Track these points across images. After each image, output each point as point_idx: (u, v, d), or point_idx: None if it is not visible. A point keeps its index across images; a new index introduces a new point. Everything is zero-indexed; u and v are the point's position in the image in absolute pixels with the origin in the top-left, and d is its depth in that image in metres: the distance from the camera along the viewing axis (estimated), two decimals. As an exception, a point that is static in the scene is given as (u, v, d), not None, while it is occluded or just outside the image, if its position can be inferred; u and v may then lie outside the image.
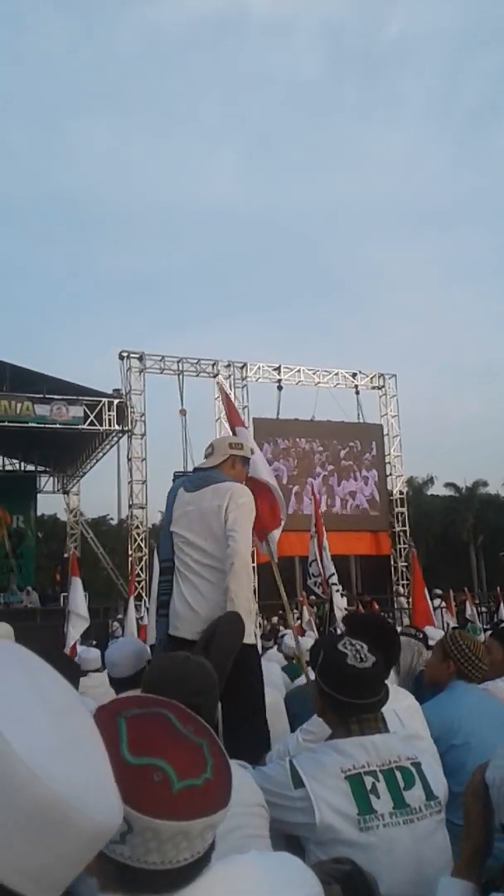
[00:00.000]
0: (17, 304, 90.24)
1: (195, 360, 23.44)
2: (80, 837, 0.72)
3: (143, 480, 22.21)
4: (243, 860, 1.08)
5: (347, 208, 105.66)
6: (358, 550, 24.52)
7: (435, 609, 11.44)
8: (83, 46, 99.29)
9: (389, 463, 25.17)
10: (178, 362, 23.05)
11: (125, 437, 22.38)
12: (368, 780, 1.96)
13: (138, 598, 16.80)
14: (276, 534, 4.34)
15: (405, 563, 23.50)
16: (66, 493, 28.33)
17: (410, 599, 11.74)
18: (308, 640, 5.27)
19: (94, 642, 10.46)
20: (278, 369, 24.07)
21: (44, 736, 0.72)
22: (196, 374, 23.43)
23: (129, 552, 21.83)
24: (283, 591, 4.40)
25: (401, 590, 23.19)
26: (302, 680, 4.53)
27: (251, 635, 3.29)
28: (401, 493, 25.50)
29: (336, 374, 24.94)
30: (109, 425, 21.74)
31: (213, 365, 23.60)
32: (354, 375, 25.11)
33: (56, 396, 20.97)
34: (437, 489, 45.69)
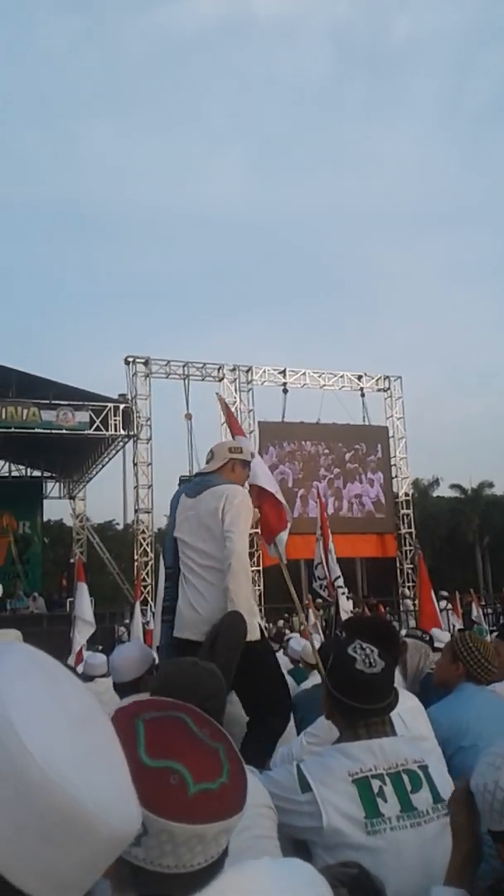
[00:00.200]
0: (21, 309, 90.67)
1: (200, 364, 23.49)
2: (97, 843, 0.72)
3: (148, 485, 22.25)
4: (255, 866, 1.08)
5: (353, 209, 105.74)
6: (364, 553, 24.49)
7: (441, 611, 11.42)
8: (87, 48, 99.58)
9: (395, 465, 25.15)
10: (183, 367, 23.09)
11: (131, 441, 22.42)
12: (375, 784, 1.96)
13: (144, 602, 16.80)
14: (284, 536, 4.36)
15: (411, 566, 23.46)
16: (72, 498, 28.39)
17: (416, 601, 11.74)
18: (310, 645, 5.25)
19: (101, 647, 10.45)
20: (283, 372, 24.08)
21: (63, 741, 0.72)
22: (201, 379, 23.47)
23: (135, 557, 21.86)
24: (294, 592, 4.39)
25: (407, 592, 23.12)
26: (308, 683, 4.53)
27: (255, 631, 3.32)
28: (406, 495, 25.48)
29: (341, 376, 24.94)
30: (115, 430, 21.79)
31: (219, 369, 23.63)
32: (360, 378, 25.11)
33: (62, 402, 21.03)
34: (443, 491, 45.64)
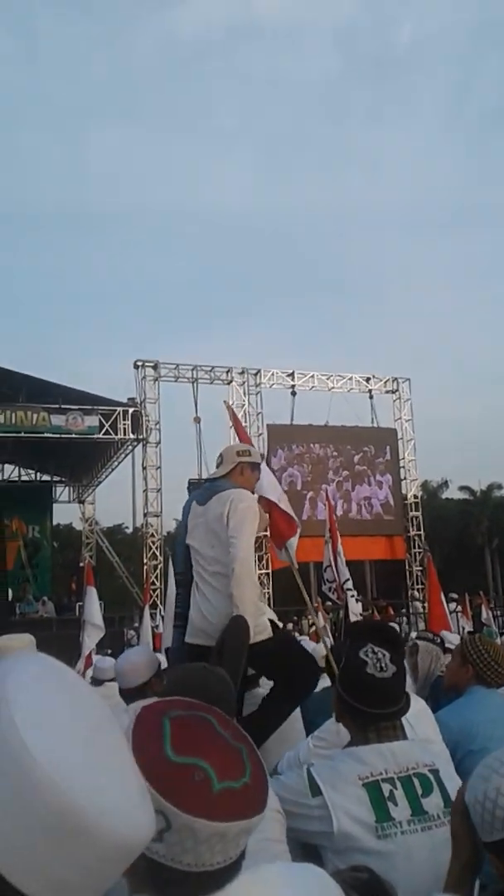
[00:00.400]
0: (30, 313, 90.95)
1: (209, 367, 23.50)
2: (102, 849, 0.72)
3: (157, 489, 22.27)
4: (269, 871, 1.09)
5: (361, 212, 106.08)
6: (373, 555, 24.45)
7: (451, 613, 11.38)
8: (96, 53, 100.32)
9: (404, 467, 25.08)
10: (192, 370, 23.12)
11: (140, 445, 22.46)
12: (386, 788, 1.95)
13: (153, 606, 16.80)
14: (294, 541, 4.41)
15: (420, 568, 23.39)
16: (81, 502, 28.44)
17: (426, 604, 11.69)
18: (321, 648, 5.24)
19: (110, 651, 10.47)
20: (292, 375, 24.08)
21: (70, 746, 0.73)
22: (210, 382, 23.49)
23: (145, 560, 21.88)
24: (307, 596, 4.40)
25: (416, 594, 23.07)
26: (318, 686, 4.51)
27: (265, 629, 3.34)
28: (415, 497, 25.42)
29: (350, 378, 24.91)
30: (124, 434, 21.82)
31: (227, 372, 23.64)
32: (368, 380, 25.08)
33: (71, 406, 21.08)
34: (452, 493, 45.56)
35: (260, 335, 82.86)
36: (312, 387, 24.42)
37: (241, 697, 3.24)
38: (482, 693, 3.04)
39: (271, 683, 3.44)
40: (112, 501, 73.24)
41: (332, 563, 6.55)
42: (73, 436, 21.12)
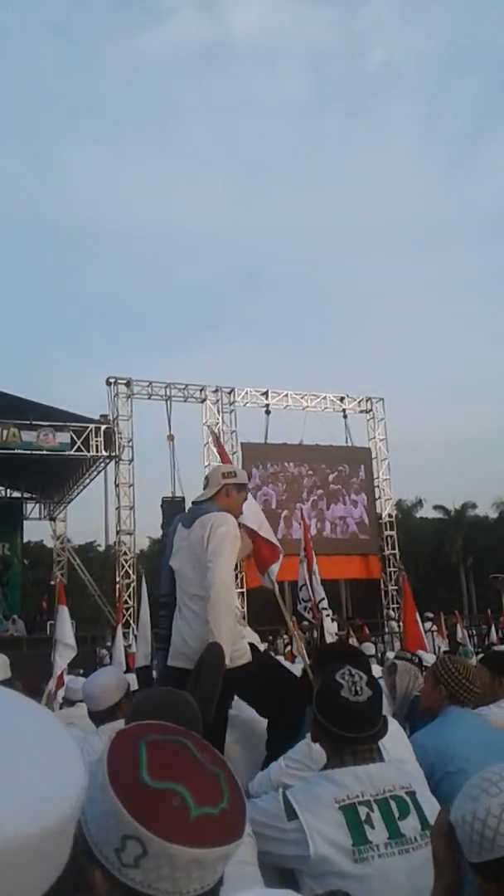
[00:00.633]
0: (1, 330, 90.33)
1: (183, 385, 23.50)
2: None
3: (130, 506, 22.14)
4: None
5: (334, 231, 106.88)
6: (348, 574, 24.46)
7: (426, 633, 11.40)
8: (70, 72, 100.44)
9: (378, 486, 25.20)
10: (165, 388, 23.09)
11: (112, 462, 22.31)
12: (363, 811, 1.93)
13: (126, 625, 16.63)
14: (276, 567, 4.47)
15: (395, 587, 23.43)
16: (52, 519, 28.13)
17: (401, 623, 11.69)
18: (297, 667, 5.21)
19: (82, 671, 10.32)
20: (266, 394, 24.14)
21: None
22: (184, 400, 23.48)
23: (117, 579, 21.67)
24: (291, 621, 4.41)
25: (391, 613, 23.10)
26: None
27: (244, 654, 3.33)
28: (390, 516, 25.50)
29: (324, 397, 25.04)
30: (96, 451, 21.66)
31: (201, 390, 23.66)
32: (342, 399, 25.22)
33: (43, 423, 20.89)
34: (426, 512, 45.80)
35: (234, 354, 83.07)
36: (287, 406, 24.49)
37: (221, 723, 3.21)
38: (457, 714, 3.03)
39: (242, 704, 3.41)
40: (84, 519, 72.72)
41: (308, 583, 6.52)
42: (45, 452, 20.92)
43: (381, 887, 1.83)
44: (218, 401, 23.73)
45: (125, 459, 22.19)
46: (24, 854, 0.65)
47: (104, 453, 21.85)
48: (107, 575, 26.54)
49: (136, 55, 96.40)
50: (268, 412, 24.03)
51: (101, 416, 22.42)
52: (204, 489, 3.77)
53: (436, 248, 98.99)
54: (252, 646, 3.43)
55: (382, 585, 24.53)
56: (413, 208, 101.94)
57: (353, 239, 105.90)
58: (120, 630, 11.19)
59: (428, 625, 14.15)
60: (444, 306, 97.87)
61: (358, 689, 2.07)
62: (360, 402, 25.62)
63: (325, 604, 6.46)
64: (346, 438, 25.24)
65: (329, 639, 6.30)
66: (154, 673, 4.50)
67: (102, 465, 22.86)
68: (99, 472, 23.46)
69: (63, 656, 7.64)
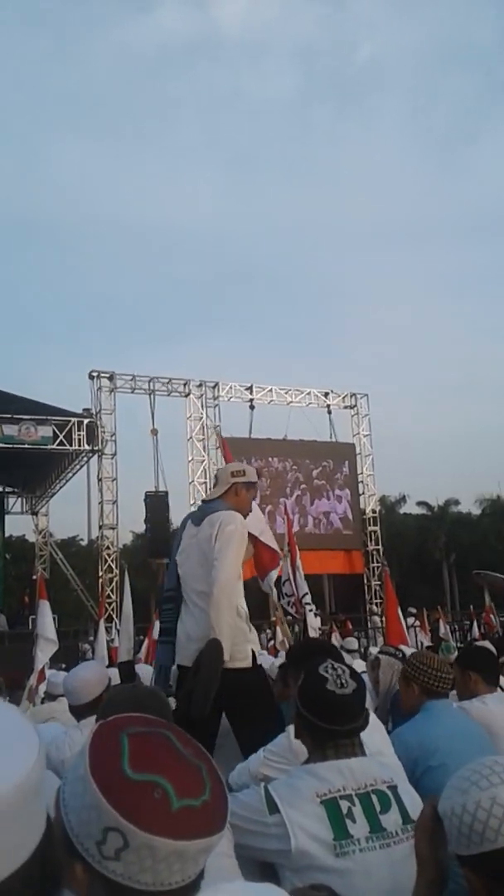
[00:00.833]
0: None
1: (166, 379, 23.43)
2: None
3: (113, 500, 22.05)
4: (229, 890, 1.07)
5: (320, 227, 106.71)
6: (331, 569, 24.52)
7: (409, 628, 11.44)
8: (55, 67, 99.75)
9: (362, 482, 25.28)
10: (149, 382, 23.01)
11: (95, 456, 22.20)
12: (344, 805, 1.92)
13: (109, 620, 16.61)
14: (275, 574, 4.69)
15: (378, 582, 23.51)
16: (34, 513, 28.01)
17: (384, 618, 11.73)
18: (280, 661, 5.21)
19: (64, 665, 10.28)
20: (250, 388, 24.12)
21: None
22: (167, 394, 23.41)
23: (100, 573, 21.61)
24: (283, 616, 4.44)
25: (374, 609, 23.19)
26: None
27: (246, 658, 3.34)
28: (373, 511, 25.60)
29: (308, 393, 25.06)
30: (79, 445, 21.54)
31: (185, 384, 23.60)
32: (326, 395, 25.25)
33: (25, 416, 20.73)
34: (410, 508, 45.99)
35: (219, 348, 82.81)
36: (271, 401, 24.49)
37: (216, 718, 3.21)
38: (438, 708, 3.05)
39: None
40: (66, 513, 72.43)
41: (291, 577, 6.53)
42: (27, 446, 20.77)
43: (362, 882, 1.82)
44: (202, 395, 23.69)
45: (108, 454, 22.10)
46: None
47: (87, 447, 21.72)
48: (89, 569, 26.49)
49: (122, 47, 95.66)
50: (252, 407, 24.01)
51: (84, 409, 22.30)
52: (213, 487, 3.81)
53: (423, 244, 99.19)
54: (254, 660, 3.41)
55: (366, 581, 24.62)
56: (401, 204, 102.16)
57: (341, 234, 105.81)
58: (102, 625, 11.17)
59: (411, 620, 14.23)
60: (431, 303, 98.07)
61: (343, 681, 2.06)
62: (344, 397, 25.66)
63: (308, 598, 6.48)
64: (331, 434, 25.31)
65: (312, 633, 6.31)
66: (154, 665, 4.48)
67: (85, 459, 22.75)
68: (82, 467, 23.36)
69: (44, 651, 7.60)
